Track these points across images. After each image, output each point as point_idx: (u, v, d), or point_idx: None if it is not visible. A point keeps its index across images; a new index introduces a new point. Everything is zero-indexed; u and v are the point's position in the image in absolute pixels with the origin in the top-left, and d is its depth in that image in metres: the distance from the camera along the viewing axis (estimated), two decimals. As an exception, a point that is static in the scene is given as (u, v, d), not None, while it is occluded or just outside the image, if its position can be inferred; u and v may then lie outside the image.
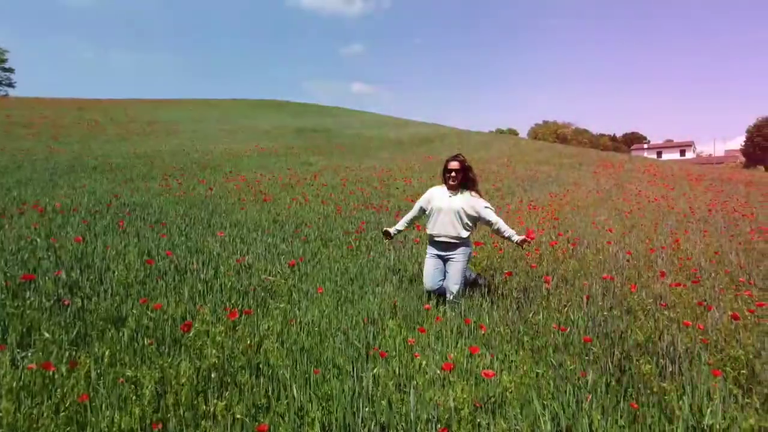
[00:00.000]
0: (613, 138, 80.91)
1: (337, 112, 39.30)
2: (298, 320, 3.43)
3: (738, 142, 53.07)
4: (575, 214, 9.26)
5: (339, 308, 3.79)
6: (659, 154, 63.84)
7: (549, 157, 20.86)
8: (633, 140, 78.52)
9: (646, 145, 71.04)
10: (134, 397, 2.27)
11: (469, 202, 3.88)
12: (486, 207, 3.92)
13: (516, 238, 3.82)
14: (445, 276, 3.99)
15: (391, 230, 4.22)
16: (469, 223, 3.89)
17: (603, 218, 8.98)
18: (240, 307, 3.66)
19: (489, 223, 3.90)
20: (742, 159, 50.65)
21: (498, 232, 3.90)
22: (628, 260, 5.64)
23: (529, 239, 3.83)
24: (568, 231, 7.37)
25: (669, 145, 70.09)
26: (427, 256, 4.03)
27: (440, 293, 3.99)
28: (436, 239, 3.92)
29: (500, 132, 61.03)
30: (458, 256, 3.89)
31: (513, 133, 67.14)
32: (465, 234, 3.89)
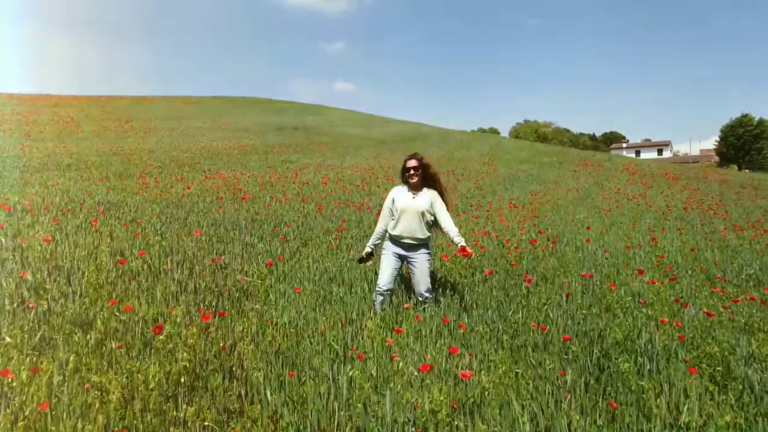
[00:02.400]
0: (592, 137, 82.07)
1: (320, 110, 39.04)
2: (275, 321, 3.35)
3: (712, 141, 54.19)
4: (555, 213, 9.34)
5: (317, 309, 3.73)
6: (638, 153, 64.91)
7: (530, 156, 21.06)
8: (612, 139, 79.73)
9: (624, 145, 72.16)
10: (99, 404, 2.17)
11: (430, 200, 3.82)
12: (441, 203, 3.82)
13: (461, 242, 3.68)
14: (411, 279, 3.93)
15: (368, 250, 3.97)
16: (430, 222, 3.83)
17: (583, 216, 9.07)
18: (215, 308, 3.56)
19: (437, 217, 3.79)
20: (717, 158, 51.83)
21: (444, 230, 3.79)
22: (606, 258, 5.68)
23: (466, 253, 3.69)
24: (548, 229, 7.42)
25: (647, 145, 71.33)
26: (386, 253, 3.87)
27: (385, 294, 3.83)
28: (401, 240, 3.82)
29: (482, 131, 61.42)
30: (421, 257, 3.80)
31: (494, 132, 67.56)
32: (427, 234, 3.84)
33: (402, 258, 3.85)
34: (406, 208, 3.78)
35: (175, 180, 10.17)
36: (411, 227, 3.77)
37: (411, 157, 3.89)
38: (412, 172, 3.81)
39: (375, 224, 4.08)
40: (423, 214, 3.75)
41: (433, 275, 4.13)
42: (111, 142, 16.59)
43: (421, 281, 3.81)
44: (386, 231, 3.92)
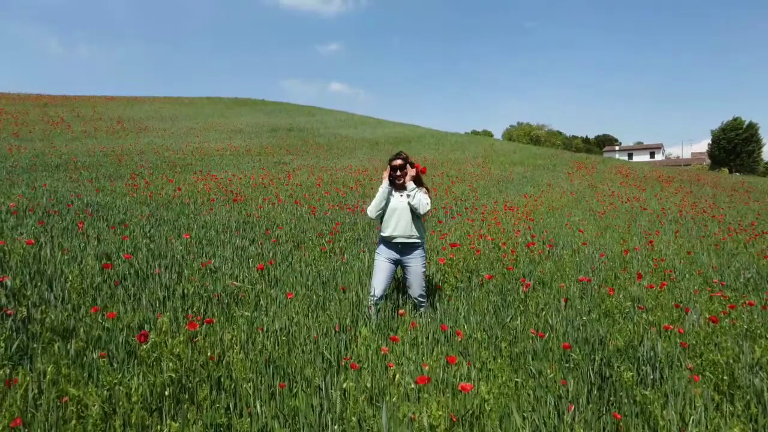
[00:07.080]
0: (585, 140, 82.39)
1: (314, 112, 38.83)
2: (266, 328, 3.23)
3: (703, 144, 54.61)
4: (550, 215, 9.28)
5: (310, 315, 3.61)
6: (630, 155, 65.18)
7: (523, 158, 21.04)
8: (605, 142, 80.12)
9: (617, 147, 72.52)
10: (76, 420, 2.05)
11: (414, 190, 3.68)
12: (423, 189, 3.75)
13: (411, 185, 3.66)
14: (404, 282, 3.83)
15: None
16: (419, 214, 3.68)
17: (578, 219, 9.01)
18: (203, 314, 3.44)
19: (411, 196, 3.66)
20: (708, 161, 52.17)
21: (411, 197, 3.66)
22: (603, 261, 5.61)
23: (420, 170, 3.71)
24: (543, 232, 7.35)
25: (639, 147, 71.74)
26: (381, 259, 3.73)
27: (380, 302, 3.71)
28: (394, 241, 3.69)
29: (475, 133, 61.40)
30: (416, 261, 3.70)
31: (488, 134, 67.57)
32: (421, 233, 3.71)
33: (396, 262, 3.74)
34: (398, 207, 3.67)
35: (166, 181, 10.01)
36: (403, 226, 3.65)
37: (396, 156, 3.75)
38: (399, 172, 3.70)
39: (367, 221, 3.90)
40: (413, 207, 3.63)
41: (428, 280, 4.02)
42: (102, 143, 16.37)
43: (416, 285, 3.71)
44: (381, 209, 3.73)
